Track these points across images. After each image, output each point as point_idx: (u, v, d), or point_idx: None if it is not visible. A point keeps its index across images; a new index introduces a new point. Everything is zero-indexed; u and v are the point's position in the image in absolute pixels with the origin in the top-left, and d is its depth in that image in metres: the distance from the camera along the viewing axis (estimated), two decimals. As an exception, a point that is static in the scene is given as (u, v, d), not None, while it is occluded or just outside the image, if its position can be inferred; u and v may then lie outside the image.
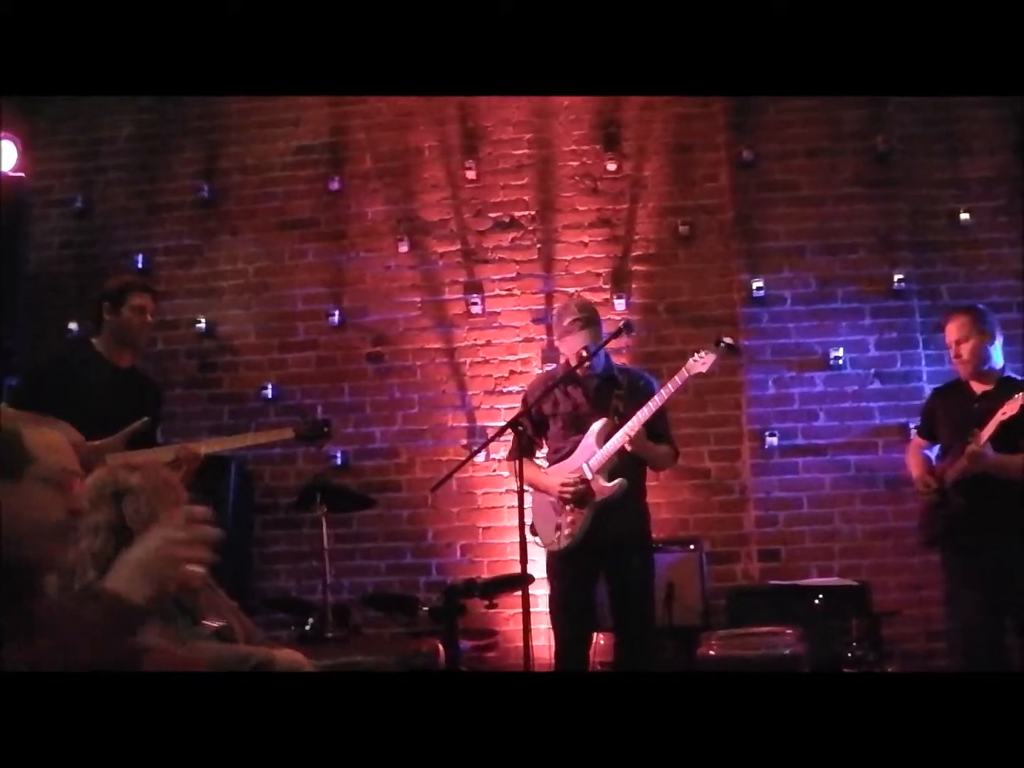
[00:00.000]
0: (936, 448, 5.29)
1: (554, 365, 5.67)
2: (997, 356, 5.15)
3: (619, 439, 4.94)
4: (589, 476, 4.98)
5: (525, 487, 4.73)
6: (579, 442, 5.07)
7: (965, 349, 5.14)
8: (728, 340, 5.01)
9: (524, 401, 5.29)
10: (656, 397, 4.93)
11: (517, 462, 4.75)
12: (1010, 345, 5.30)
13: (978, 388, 5.12)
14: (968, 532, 5.01)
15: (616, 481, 4.97)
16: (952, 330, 5.21)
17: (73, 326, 6.73)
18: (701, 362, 4.93)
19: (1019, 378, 5.14)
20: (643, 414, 4.90)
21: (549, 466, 5.22)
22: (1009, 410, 4.76)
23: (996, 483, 4.86)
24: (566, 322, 5.13)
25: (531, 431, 5.16)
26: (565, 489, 5.00)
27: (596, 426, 5.03)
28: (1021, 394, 4.74)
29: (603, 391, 5.13)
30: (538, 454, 5.37)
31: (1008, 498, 4.83)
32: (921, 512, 5.31)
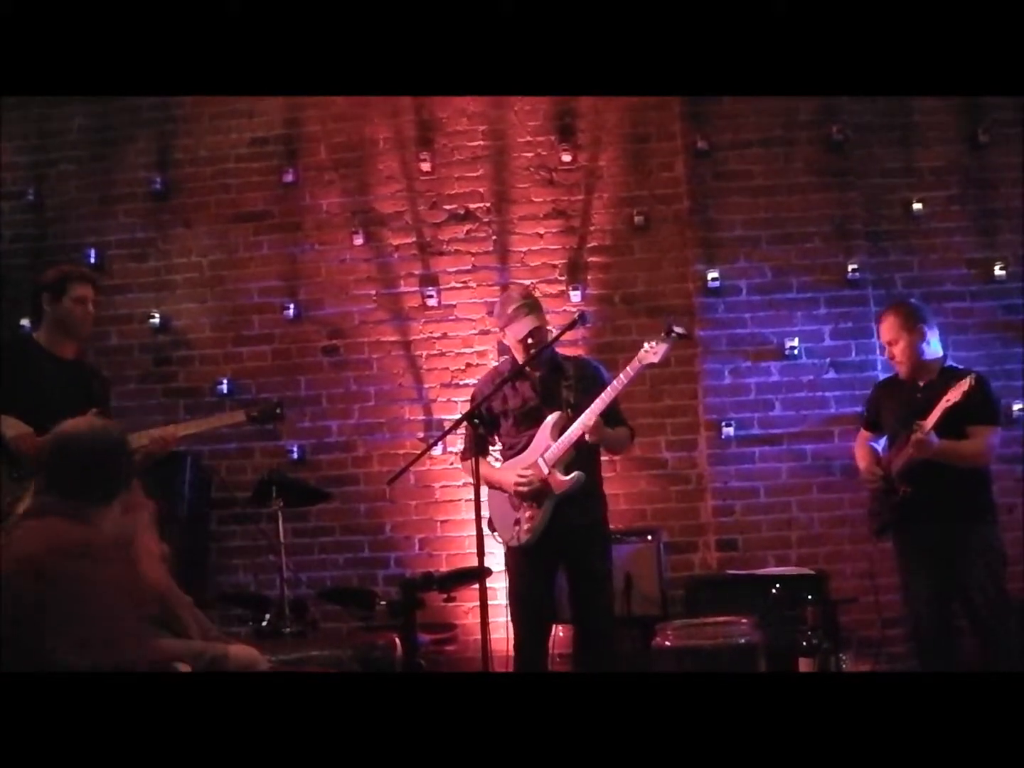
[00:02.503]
0: (883, 440, 5.35)
1: (506, 358, 5.64)
2: (935, 347, 5.21)
3: (574, 432, 4.94)
4: (545, 471, 4.98)
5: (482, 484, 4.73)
6: (533, 436, 5.07)
7: (897, 351, 5.21)
8: (679, 329, 4.98)
9: (473, 399, 5.27)
10: (609, 388, 4.93)
11: (472, 461, 4.73)
12: (961, 334, 5.34)
13: (921, 380, 5.19)
14: (915, 519, 5.10)
15: (573, 474, 4.96)
16: (882, 332, 5.30)
17: (25, 322, 6.63)
18: (653, 352, 4.92)
19: (960, 367, 5.22)
20: (597, 406, 4.90)
21: (504, 462, 5.21)
22: (953, 396, 4.82)
23: (941, 469, 4.95)
24: (510, 310, 5.11)
25: (483, 428, 5.13)
26: (520, 482, 4.99)
27: (550, 420, 5.02)
28: (965, 380, 4.80)
29: (550, 383, 5.12)
30: (491, 450, 5.35)
31: (953, 484, 4.96)
32: (870, 501, 5.38)
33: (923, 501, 5.02)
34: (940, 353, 5.23)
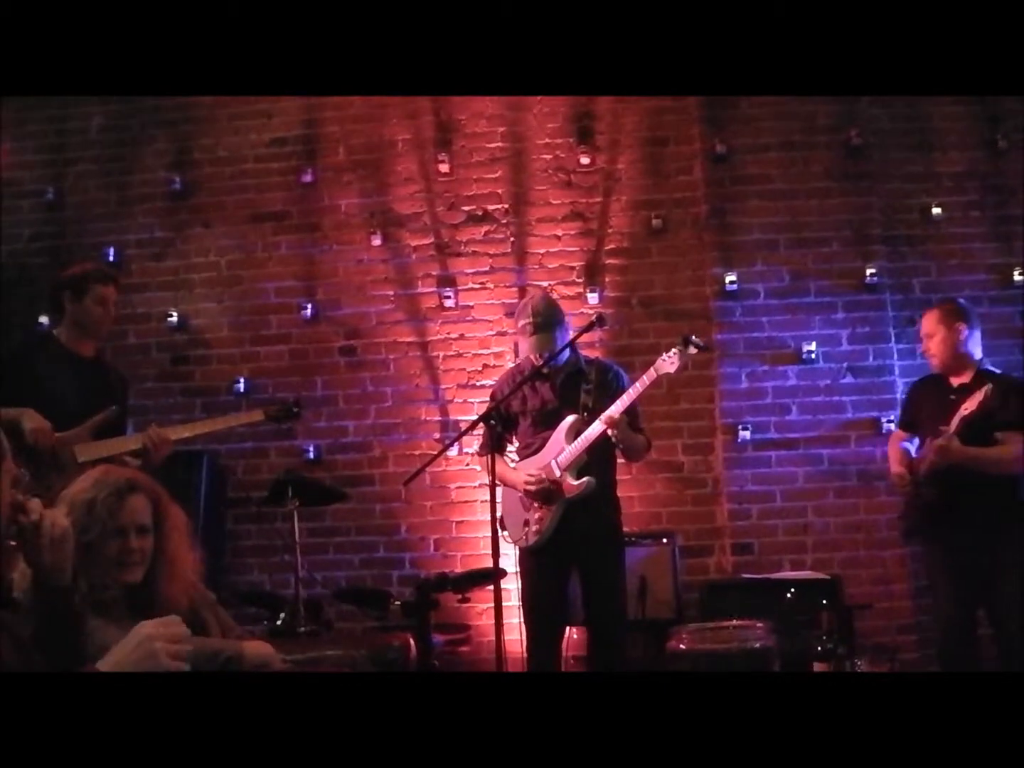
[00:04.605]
0: (916, 440, 5.31)
1: (526, 356, 5.64)
2: (972, 348, 5.15)
3: (587, 437, 4.93)
4: (557, 474, 4.97)
5: (497, 482, 4.73)
6: (548, 438, 5.07)
7: (931, 344, 5.19)
8: (697, 340, 4.98)
9: (492, 397, 5.28)
10: (624, 396, 4.92)
11: (488, 457, 4.74)
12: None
13: (955, 380, 5.14)
14: (940, 524, 5.06)
15: (583, 480, 4.96)
16: (922, 326, 5.27)
17: (44, 319, 6.65)
18: (669, 362, 4.91)
19: (996, 371, 5.17)
20: (611, 411, 4.89)
21: (519, 461, 5.21)
22: (970, 406, 4.78)
23: (966, 475, 4.89)
24: (519, 324, 5.14)
25: (500, 428, 5.13)
26: (530, 480, 4.99)
27: (566, 423, 5.02)
28: (982, 390, 4.76)
29: (570, 386, 5.12)
30: (509, 449, 5.36)
31: (978, 490, 4.89)
32: (902, 504, 5.34)
33: (949, 506, 4.98)
34: (978, 356, 5.16)
